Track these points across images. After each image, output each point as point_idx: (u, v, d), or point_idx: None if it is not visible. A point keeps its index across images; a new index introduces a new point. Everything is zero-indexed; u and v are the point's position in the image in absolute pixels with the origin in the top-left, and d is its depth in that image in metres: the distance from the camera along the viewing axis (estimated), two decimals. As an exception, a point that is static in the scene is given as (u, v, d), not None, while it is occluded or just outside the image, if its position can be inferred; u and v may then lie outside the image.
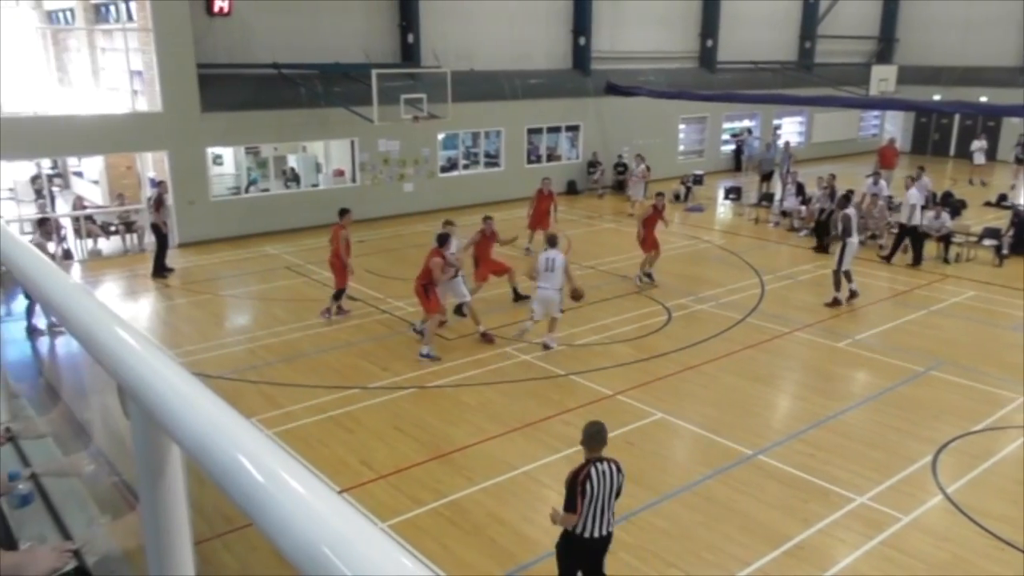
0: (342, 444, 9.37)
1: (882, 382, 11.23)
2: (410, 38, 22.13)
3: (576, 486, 5.96)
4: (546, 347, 12.31)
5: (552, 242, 12.57)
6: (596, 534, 6.10)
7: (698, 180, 26.11)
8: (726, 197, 25.01)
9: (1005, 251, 17.71)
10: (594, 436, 6.14)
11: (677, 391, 10.91)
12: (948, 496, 8.25)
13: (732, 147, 31.86)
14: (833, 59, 34.20)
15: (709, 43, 29.94)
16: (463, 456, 9.09)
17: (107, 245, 18.91)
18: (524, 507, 8.08)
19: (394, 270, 16.74)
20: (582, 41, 26.08)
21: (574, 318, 13.75)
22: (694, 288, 15.62)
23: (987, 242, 18.04)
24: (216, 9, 19.09)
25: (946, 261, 17.59)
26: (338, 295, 13.87)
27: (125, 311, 14.52)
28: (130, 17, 19.29)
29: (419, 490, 8.36)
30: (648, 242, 15.91)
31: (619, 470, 6.15)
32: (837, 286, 14.58)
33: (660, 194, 16.81)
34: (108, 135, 17.91)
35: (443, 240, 12.41)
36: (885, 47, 36.70)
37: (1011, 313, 14.33)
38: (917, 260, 17.40)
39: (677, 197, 24.80)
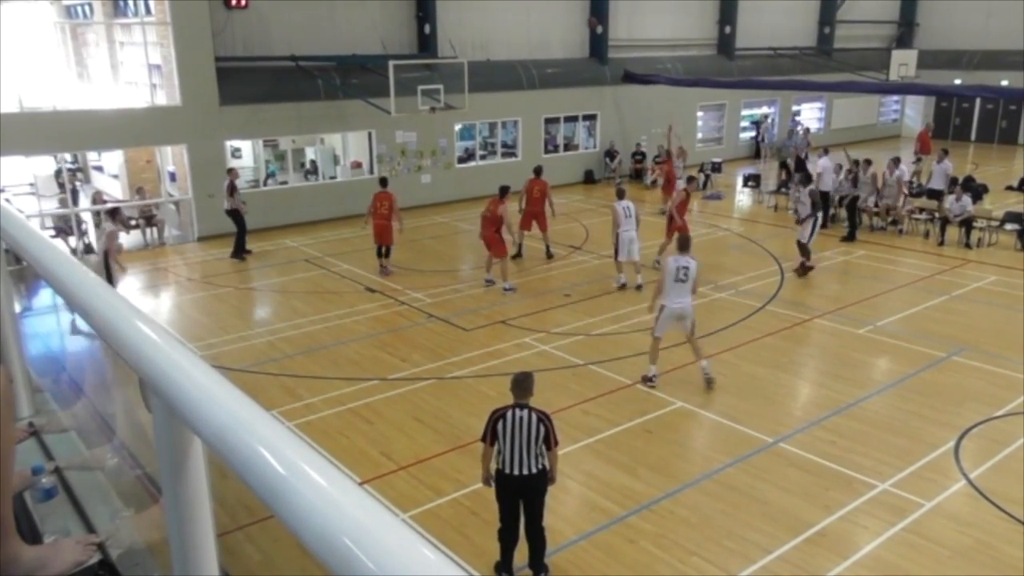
0: (362, 436, 9.41)
1: (904, 368, 11.14)
2: (427, 29, 22.09)
3: (488, 422, 6.64)
4: (709, 381, 10.51)
5: (685, 246, 10.92)
6: (514, 471, 6.57)
7: (717, 168, 25.91)
8: (745, 184, 24.83)
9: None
10: (517, 383, 6.73)
11: (697, 379, 10.85)
12: (971, 481, 8.18)
13: (752, 134, 31.60)
14: (852, 44, 33.81)
15: (727, 30, 29.68)
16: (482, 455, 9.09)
17: (127, 239, 19.05)
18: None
19: (413, 262, 16.78)
20: (599, 29, 25.92)
21: (592, 308, 13.73)
22: (713, 276, 15.53)
23: (1009, 226, 17.81)
24: (233, 2, 19.14)
25: (967, 246, 17.40)
26: (388, 251, 16.06)
27: (146, 305, 14.65)
28: (148, 11, 19.39)
29: (439, 481, 8.39)
30: (675, 228, 15.23)
31: (540, 420, 6.56)
32: (806, 255, 15.37)
33: (692, 178, 16.75)
34: (127, 129, 18.03)
35: (504, 192, 14.78)
36: (905, 31, 36.24)
37: (1035, 298, 14.15)
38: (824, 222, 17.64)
39: (691, 181, 24.57)
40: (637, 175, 26.49)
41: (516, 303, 14.01)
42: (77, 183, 23.43)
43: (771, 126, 31.22)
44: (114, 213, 14.79)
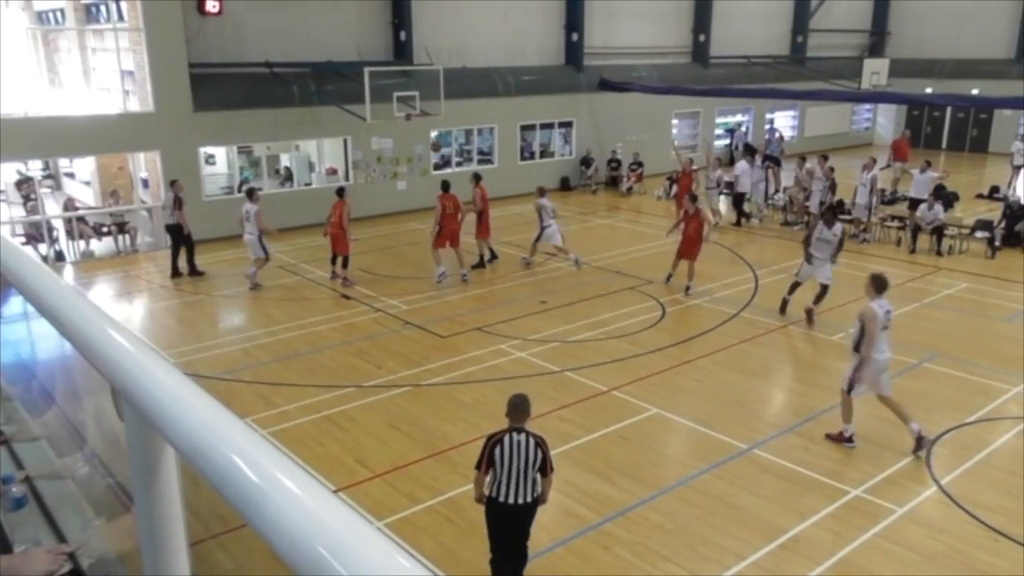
0: (337, 443, 9.36)
1: (876, 375, 11.25)
2: (402, 36, 22.09)
3: (485, 448, 6.40)
4: (920, 441, 8.90)
5: (882, 287, 9.22)
6: (508, 500, 6.35)
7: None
8: (720, 192, 24.95)
9: (997, 243, 17.78)
10: (514, 407, 6.44)
11: (672, 386, 10.92)
12: (942, 487, 8.29)
13: (726, 142, 31.87)
14: (825, 53, 34.24)
15: (702, 38, 29.94)
16: (459, 453, 9.09)
17: (99, 246, 18.85)
18: (521, 504, 8.07)
19: (388, 268, 16.74)
20: (575, 37, 26.06)
21: (568, 314, 13.76)
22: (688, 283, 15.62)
23: (979, 234, 18.09)
24: (207, 8, 19.02)
25: (939, 253, 17.64)
26: (345, 262, 15.70)
27: (118, 312, 14.48)
28: (121, 17, 19.21)
29: (415, 488, 8.36)
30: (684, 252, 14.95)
31: (538, 445, 6.33)
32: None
33: (694, 197, 16.33)
34: (100, 136, 17.85)
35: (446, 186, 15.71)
36: (877, 40, 36.76)
37: (1004, 304, 14.39)
38: (737, 221, 20.58)
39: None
40: (613, 182, 26.61)
41: (492, 310, 14.01)
42: (44, 190, 23.17)
43: (744, 134, 31.51)
44: (250, 193, 15.98)
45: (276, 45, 20.23)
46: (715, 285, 15.51)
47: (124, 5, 18.88)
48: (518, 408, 6.45)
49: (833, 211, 14.39)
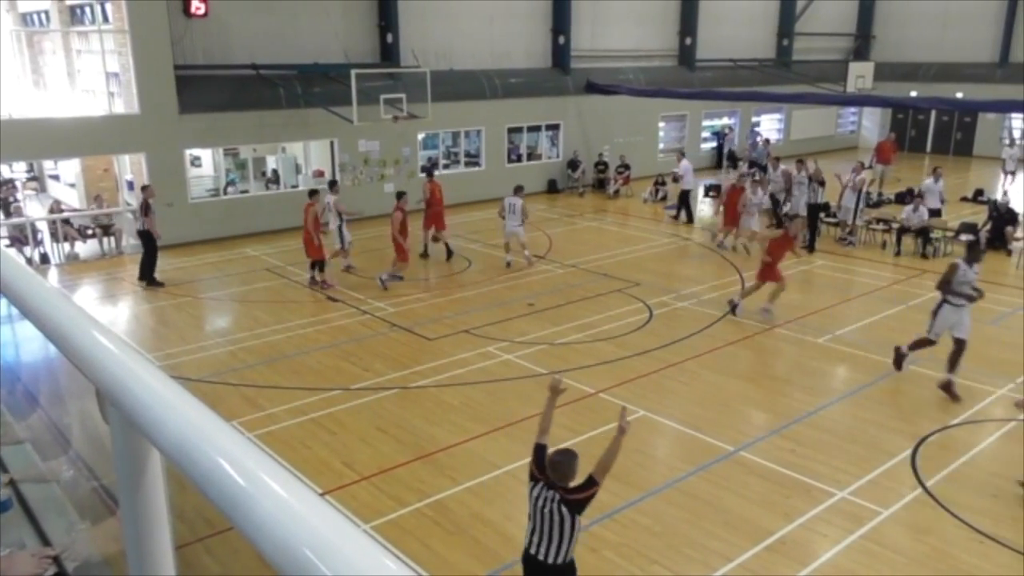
0: (324, 446, 9.33)
1: (862, 377, 11.33)
2: (389, 38, 22.07)
3: (532, 459, 5.79)
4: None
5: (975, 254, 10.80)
6: (530, 549, 5.65)
7: (677, 179, 26.08)
8: (706, 195, 25.12)
9: (982, 246, 17.91)
10: (550, 465, 5.68)
11: (659, 388, 10.95)
12: (927, 490, 8.34)
13: (713, 144, 31.98)
14: (811, 56, 34.43)
15: (688, 41, 30.06)
16: (446, 456, 9.08)
17: (84, 248, 18.73)
18: (508, 506, 8.08)
19: (376, 270, 16.68)
20: (562, 40, 26.11)
21: (556, 317, 13.78)
22: (675, 285, 15.69)
23: (963, 237, 18.21)
24: (193, 10, 18.95)
25: (924, 256, 17.74)
26: (320, 266, 15.77)
27: (103, 315, 14.40)
28: (106, 19, 19.12)
29: (402, 491, 8.34)
30: (768, 275, 13.73)
31: (560, 507, 5.51)
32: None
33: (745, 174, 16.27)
34: (85, 138, 17.75)
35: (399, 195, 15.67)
36: (862, 44, 37.01)
37: (988, 308, 14.48)
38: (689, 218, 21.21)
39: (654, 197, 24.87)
40: (600, 185, 26.66)
41: (479, 312, 14.01)
42: (29, 192, 23.02)
43: (732, 140, 31.64)
44: (331, 185, 16.96)
45: (262, 47, 20.17)
46: (702, 287, 15.56)
47: (109, 7, 18.79)
48: (551, 466, 5.64)
49: (976, 247, 11.71)
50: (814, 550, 7.32)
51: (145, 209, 15.86)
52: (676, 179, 22.35)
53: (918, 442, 9.35)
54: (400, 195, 16.01)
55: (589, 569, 7.05)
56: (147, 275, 15.97)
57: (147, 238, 15.88)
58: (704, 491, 8.32)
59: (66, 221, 18.59)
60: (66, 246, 18.33)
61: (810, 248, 18.26)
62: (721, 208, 18.22)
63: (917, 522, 7.77)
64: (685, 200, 21.62)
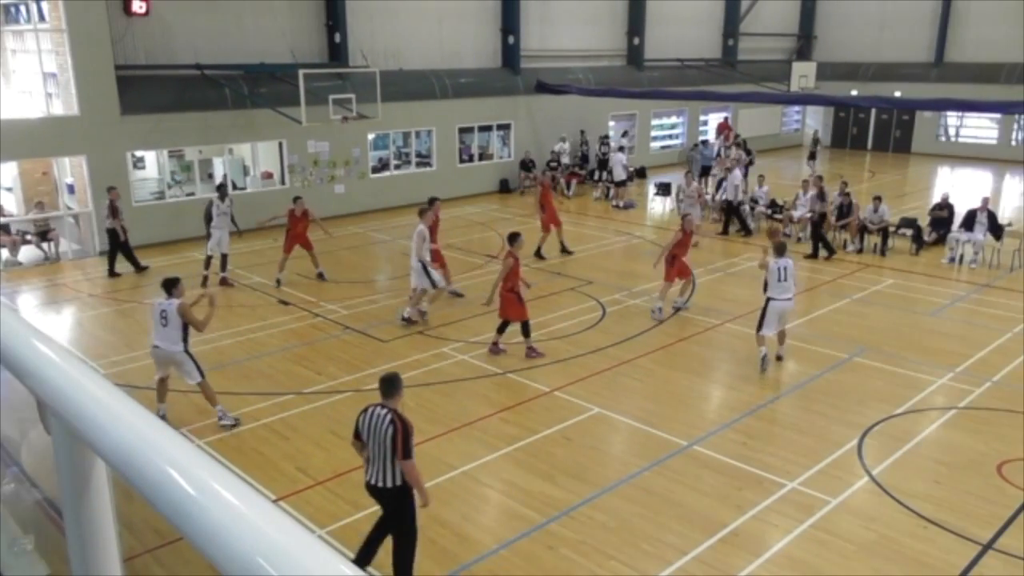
0: (277, 451, 9.21)
1: (809, 370, 11.56)
2: (337, 37, 21.87)
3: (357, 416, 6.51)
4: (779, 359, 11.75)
5: (781, 250, 11.57)
6: (369, 479, 6.43)
7: (642, 173, 26.29)
8: (656, 193, 25.38)
9: (927, 238, 18.39)
10: (383, 382, 6.55)
11: (613, 385, 11.03)
12: (873, 478, 8.54)
13: (663, 143, 32.28)
14: (755, 56, 35.06)
15: (636, 41, 30.35)
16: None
17: (26, 255, 18.19)
18: (464, 507, 8.07)
19: (328, 273, 16.52)
20: (511, 40, 26.16)
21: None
22: (627, 283, 15.83)
23: (903, 231, 18.69)
24: (134, 8, 18.54)
25: (883, 254, 17.95)
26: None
27: (46, 322, 14.01)
28: (42, 17, 18.59)
29: (358, 495, 8.24)
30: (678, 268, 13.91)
31: (391, 421, 6.24)
32: None
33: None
34: (21, 140, 17.23)
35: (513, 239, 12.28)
36: (804, 44, 37.79)
37: (928, 300, 14.92)
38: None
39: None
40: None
41: (433, 313, 13.94)
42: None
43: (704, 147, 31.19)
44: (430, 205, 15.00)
45: (206, 47, 19.83)
46: (654, 285, 15.70)
47: (45, 5, 18.29)
48: (384, 382, 6.55)
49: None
50: (766, 541, 7.44)
51: (113, 211, 16.38)
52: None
53: (864, 432, 9.57)
54: (513, 238, 12.40)
55: (547, 567, 7.08)
56: (133, 265, 16.93)
57: (114, 236, 16.55)
58: (659, 486, 8.41)
59: (3, 227, 18.04)
60: (3, 252, 17.79)
61: (815, 254, 17.93)
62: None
63: (864, 510, 7.95)
64: (735, 211, 20.42)
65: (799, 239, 19.34)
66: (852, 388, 10.89)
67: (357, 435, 6.51)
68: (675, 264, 13.86)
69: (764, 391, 10.86)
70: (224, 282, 15.89)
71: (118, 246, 16.69)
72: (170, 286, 9.63)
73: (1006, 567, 7.07)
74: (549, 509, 7.98)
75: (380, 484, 6.39)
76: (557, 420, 9.92)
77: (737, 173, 20.84)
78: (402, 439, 6.22)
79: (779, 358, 11.84)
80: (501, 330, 12.04)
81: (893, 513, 7.89)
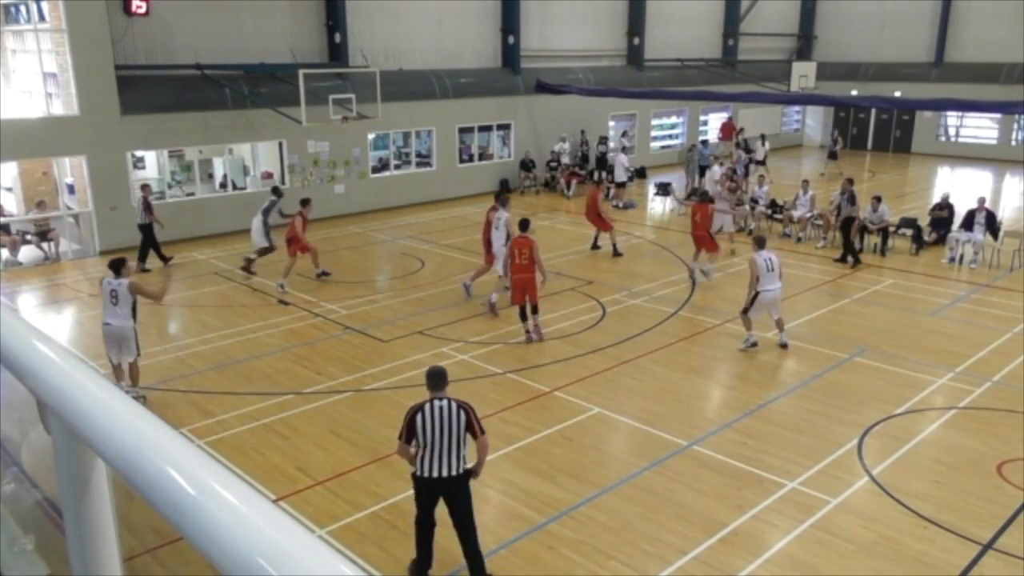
0: (277, 451, 9.21)
1: (809, 369, 11.56)
2: (337, 37, 21.87)
3: (405, 418, 6.44)
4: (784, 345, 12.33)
5: (762, 243, 12.25)
6: (431, 474, 6.41)
7: (631, 177, 26.31)
8: (656, 193, 25.39)
9: (927, 238, 18.38)
10: (433, 375, 6.56)
11: (613, 385, 11.03)
12: (873, 478, 8.54)
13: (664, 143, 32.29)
14: (755, 56, 35.06)
15: (636, 41, 30.35)
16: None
17: (26, 255, 18.19)
18: (464, 507, 8.06)
19: (330, 269, 16.53)
20: (511, 40, 26.16)
21: (510, 316, 13.78)
22: (628, 283, 15.83)
23: (903, 231, 18.67)
24: (134, 8, 18.54)
25: (883, 254, 17.89)
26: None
27: (46, 322, 14.01)
28: (42, 17, 18.60)
29: (358, 494, 8.27)
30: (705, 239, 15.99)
31: (461, 408, 6.41)
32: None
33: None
34: (21, 140, 17.22)
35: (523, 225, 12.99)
36: (804, 44, 37.79)
37: (928, 300, 14.92)
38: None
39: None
40: (549, 184, 26.73)
41: (433, 313, 13.96)
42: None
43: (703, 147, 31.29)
44: (502, 198, 15.70)
45: (207, 47, 19.83)
46: (654, 285, 15.72)
47: (45, 5, 18.29)
48: (435, 376, 6.54)
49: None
50: (766, 540, 7.44)
51: (147, 206, 16.89)
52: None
53: (864, 432, 9.57)
54: (526, 224, 13.07)
55: (547, 567, 7.08)
56: (160, 259, 17.46)
57: (147, 231, 16.98)
58: (659, 486, 8.41)
59: (3, 227, 18.05)
60: (3, 252, 17.80)
61: (844, 258, 17.41)
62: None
63: (864, 510, 7.95)
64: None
65: (799, 239, 19.36)
66: (852, 388, 10.89)
67: (410, 437, 6.39)
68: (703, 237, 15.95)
69: (764, 391, 10.86)
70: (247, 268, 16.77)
71: (151, 241, 17.15)
72: (119, 266, 10.29)
73: (1006, 567, 7.07)
74: (549, 509, 7.98)
75: (450, 474, 6.40)
76: (557, 420, 9.92)
77: (716, 169, 21.81)
78: (476, 419, 6.48)
79: (784, 346, 12.27)
80: (524, 316, 12.67)
81: (893, 513, 7.89)
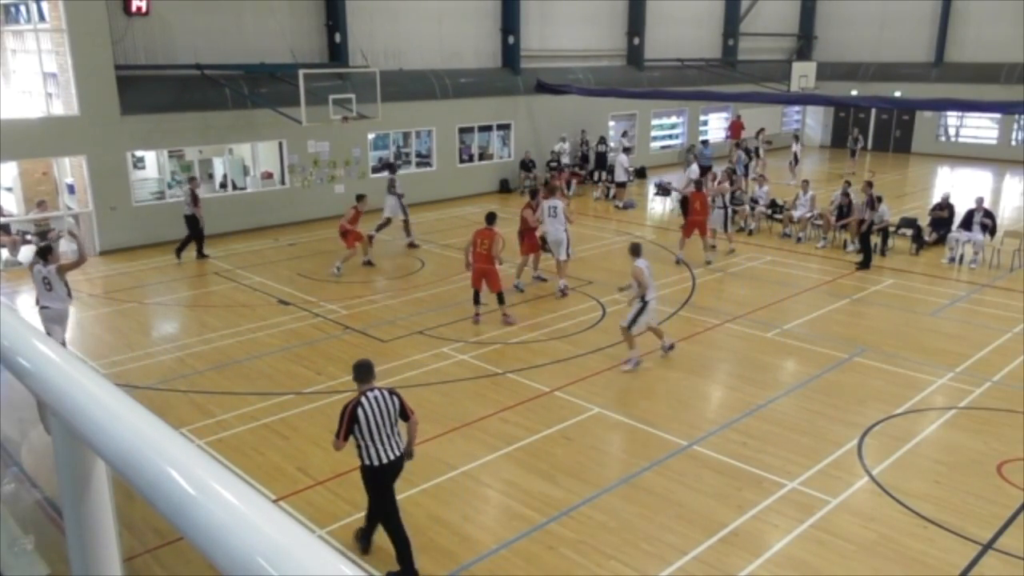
0: (277, 451, 9.21)
1: (809, 370, 11.56)
2: (337, 37, 21.86)
3: (344, 416, 6.70)
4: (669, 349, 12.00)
5: (638, 251, 11.79)
6: (381, 461, 6.76)
7: (631, 178, 26.32)
8: (656, 193, 25.40)
9: (927, 238, 18.37)
10: (361, 368, 6.88)
11: (613, 385, 11.03)
12: (873, 478, 8.54)
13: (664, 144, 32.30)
14: (755, 56, 35.04)
15: (636, 41, 30.34)
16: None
17: (24, 255, 18.17)
18: (464, 507, 8.07)
19: (327, 273, 16.54)
20: (511, 40, 26.16)
21: (524, 313, 13.79)
22: (628, 283, 15.79)
23: (903, 231, 18.67)
24: (134, 8, 18.54)
25: (883, 254, 17.86)
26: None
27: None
28: (42, 17, 18.60)
29: (358, 495, 8.24)
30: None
31: (392, 394, 6.83)
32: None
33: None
34: (21, 140, 17.22)
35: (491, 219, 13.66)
36: (804, 44, 37.77)
37: (928, 300, 14.92)
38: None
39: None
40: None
41: (433, 313, 13.95)
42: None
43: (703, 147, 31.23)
44: (549, 186, 16.76)
45: (207, 47, 19.82)
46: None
47: (45, 5, 18.29)
48: (364, 369, 6.88)
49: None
50: (766, 540, 7.44)
51: (194, 199, 17.40)
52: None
53: (864, 432, 9.57)
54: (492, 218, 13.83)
55: (547, 567, 7.08)
56: (198, 253, 17.90)
57: (193, 223, 17.50)
58: (658, 486, 8.41)
59: (4, 227, 18.04)
60: (3, 252, 17.79)
61: (867, 263, 17.08)
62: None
63: (864, 510, 7.95)
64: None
65: (799, 239, 19.36)
66: (852, 388, 10.89)
67: (348, 434, 6.70)
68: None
69: (764, 391, 10.85)
70: (412, 245, 18.66)
71: (197, 233, 17.65)
72: (46, 253, 11.15)
73: (1006, 567, 7.07)
74: (549, 509, 7.98)
75: (395, 456, 6.79)
76: (557, 420, 9.92)
77: (695, 168, 22.54)
78: (405, 402, 6.93)
79: (670, 347, 12.06)
80: (477, 300, 13.50)
81: (893, 513, 7.89)
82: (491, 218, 13.57)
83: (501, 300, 13.43)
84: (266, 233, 20.35)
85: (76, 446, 1.25)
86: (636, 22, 30.17)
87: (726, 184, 18.93)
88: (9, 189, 21.28)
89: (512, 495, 8.27)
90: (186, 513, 0.96)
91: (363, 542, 7.28)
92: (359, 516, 7.84)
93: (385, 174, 19.07)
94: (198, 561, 0.97)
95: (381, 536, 7.54)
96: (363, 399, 6.69)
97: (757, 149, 28.64)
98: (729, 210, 18.52)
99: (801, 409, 10.27)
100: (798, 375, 11.47)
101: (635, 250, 11.76)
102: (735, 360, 12.24)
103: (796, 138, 29.94)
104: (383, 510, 6.97)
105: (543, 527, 7.68)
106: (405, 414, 6.91)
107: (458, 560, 7.21)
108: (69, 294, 11.26)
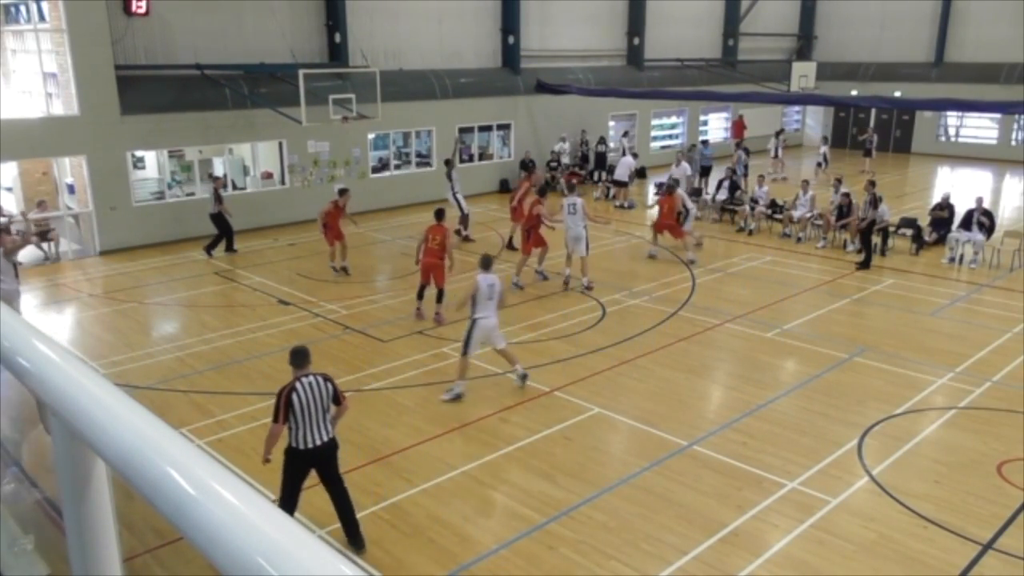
0: (277, 451, 9.18)
1: (809, 370, 11.56)
2: (337, 38, 21.87)
3: (279, 401, 6.90)
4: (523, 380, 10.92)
5: (487, 264, 10.96)
6: (315, 443, 6.98)
7: (631, 178, 26.33)
8: (656, 193, 25.37)
9: (927, 238, 18.36)
10: (298, 354, 7.10)
11: (613, 385, 11.03)
12: (873, 478, 8.54)
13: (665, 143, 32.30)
14: (755, 56, 35.04)
15: (636, 41, 30.34)
16: (402, 458, 9.03)
17: (24, 255, 18.17)
18: (465, 507, 8.07)
19: (327, 273, 16.54)
20: (511, 40, 26.16)
21: (510, 316, 13.77)
22: (627, 283, 15.83)
23: (903, 231, 18.67)
24: (134, 8, 18.54)
25: (883, 254, 17.85)
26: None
27: (47, 322, 14.01)
28: (42, 17, 18.60)
29: (358, 494, 8.25)
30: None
31: (326, 380, 7.06)
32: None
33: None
34: (21, 140, 17.22)
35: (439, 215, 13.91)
36: (804, 44, 37.78)
37: (928, 299, 14.92)
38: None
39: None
40: (549, 184, 26.70)
41: (431, 314, 13.94)
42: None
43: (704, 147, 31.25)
44: (571, 187, 16.77)
45: (206, 47, 19.82)
46: (654, 285, 15.72)
47: (45, 5, 18.29)
48: (301, 354, 7.10)
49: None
50: (767, 540, 7.44)
51: (218, 198, 17.72)
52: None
53: (864, 432, 9.57)
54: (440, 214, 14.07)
55: (547, 567, 7.08)
56: (213, 248, 18.13)
57: (219, 221, 17.82)
58: (658, 486, 8.41)
59: (4, 228, 18.02)
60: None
61: (867, 263, 17.06)
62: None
63: (864, 510, 7.95)
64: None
65: (799, 239, 19.36)
66: (852, 388, 10.89)
67: (286, 415, 6.87)
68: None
69: (764, 391, 10.85)
70: (466, 239, 18.94)
71: (226, 231, 17.99)
72: None
73: (1006, 567, 7.07)
74: (549, 509, 7.98)
75: (322, 441, 7.00)
76: (557, 420, 9.91)
77: (685, 166, 22.97)
78: (338, 387, 7.18)
79: (524, 377, 10.79)
80: (421, 295, 13.81)
81: (893, 513, 7.89)
82: (439, 214, 13.87)
83: (440, 297, 13.63)
84: (266, 233, 20.35)
85: (76, 446, 1.25)
86: (636, 22, 30.18)
87: (680, 192, 18.87)
88: (9, 189, 21.28)
89: (512, 495, 8.27)
90: (186, 513, 0.96)
91: (354, 541, 7.29)
92: (359, 516, 7.83)
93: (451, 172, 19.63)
94: (198, 561, 0.97)
95: (381, 533, 7.55)
96: (297, 384, 6.88)
97: (777, 149, 28.74)
98: (693, 211, 18.86)
99: (801, 409, 10.27)
100: (798, 375, 11.47)
101: (484, 263, 10.71)
102: (735, 360, 12.24)
103: (825, 140, 30.05)
104: (289, 496, 7.12)
105: (543, 527, 7.68)
106: (338, 399, 7.12)
107: (458, 560, 7.21)
108: (17, 276, 11.79)
